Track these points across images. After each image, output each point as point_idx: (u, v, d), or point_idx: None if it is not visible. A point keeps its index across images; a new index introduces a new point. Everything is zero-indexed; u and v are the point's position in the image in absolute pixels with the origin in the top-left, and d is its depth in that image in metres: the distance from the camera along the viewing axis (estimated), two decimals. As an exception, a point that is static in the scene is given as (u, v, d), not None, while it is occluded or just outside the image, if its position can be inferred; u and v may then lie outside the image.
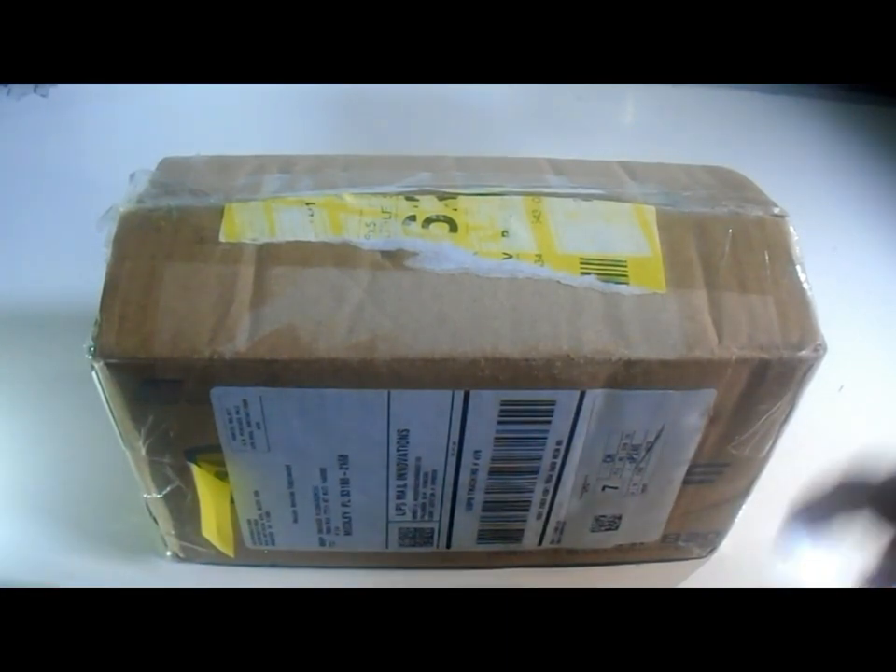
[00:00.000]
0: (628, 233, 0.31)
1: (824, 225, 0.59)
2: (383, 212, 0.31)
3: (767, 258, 0.31)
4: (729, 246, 0.31)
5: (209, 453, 0.31)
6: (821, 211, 0.61)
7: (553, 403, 0.30)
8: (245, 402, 0.29)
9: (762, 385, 0.30)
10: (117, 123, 0.64)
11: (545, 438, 0.31)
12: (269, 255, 0.30)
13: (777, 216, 0.32)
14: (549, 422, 0.30)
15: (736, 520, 0.38)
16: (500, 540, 0.37)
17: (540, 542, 0.37)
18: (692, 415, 0.31)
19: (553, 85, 0.65)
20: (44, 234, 0.53)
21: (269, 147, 0.36)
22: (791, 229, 0.32)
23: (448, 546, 0.37)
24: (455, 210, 0.31)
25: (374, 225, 0.31)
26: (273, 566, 0.37)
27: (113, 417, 0.30)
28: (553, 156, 0.37)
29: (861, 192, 0.64)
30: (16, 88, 0.62)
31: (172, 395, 0.29)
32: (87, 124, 0.63)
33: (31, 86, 0.63)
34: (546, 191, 0.33)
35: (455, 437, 0.31)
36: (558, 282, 0.30)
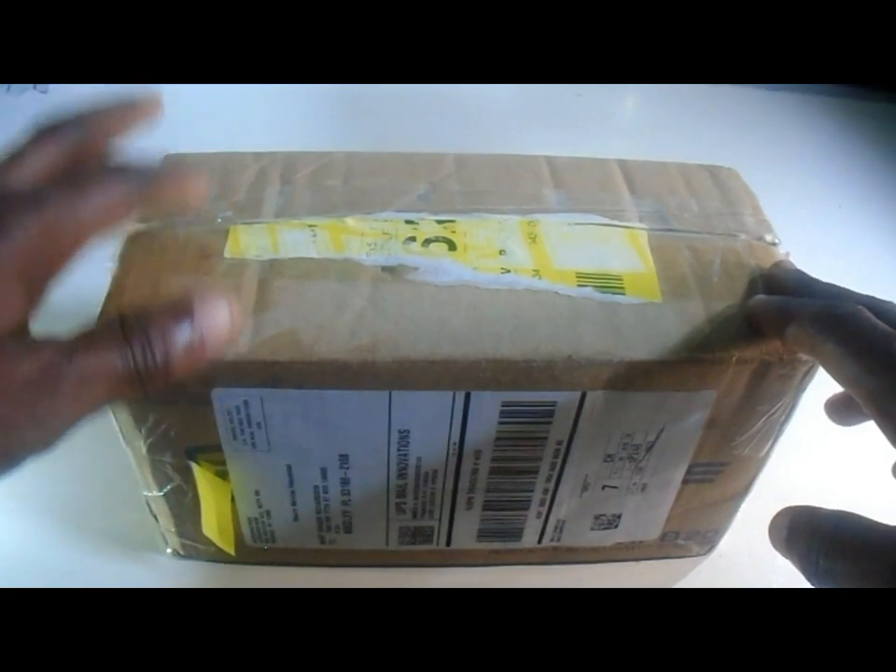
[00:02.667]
0: (622, 252, 0.32)
1: (821, 224, 0.59)
2: (384, 233, 0.32)
3: (759, 275, 0.32)
4: (720, 264, 0.32)
5: (210, 452, 0.31)
6: (819, 205, 0.61)
7: (553, 404, 0.30)
8: (245, 403, 0.29)
9: (762, 386, 0.30)
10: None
11: (546, 438, 0.31)
12: (272, 269, 0.30)
13: (769, 243, 0.33)
14: (549, 423, 0.31)
15: (735, 518, 0.38)
16: (500, 539, 0.37)
17: (540, 540, 0.37)
18: (692, 416, 0.31)
19: (553, 81, 0.65)
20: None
21: (269, 147, 0.36)
22: (783, 255, 0.33)
23: (448, 544, 0.37)
24: (454, 232, 0.32)
25: (375, 244, 0.32)
26: (273, 563, 0.38)
27: (114, 416, 0.30)
28: (554, 151, 0.37)
29: (860, 187, 0.64)
30: (15, 84, 0.62)
31: (173, 395, 0.29)
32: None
33: (29, 81, 0.63)
34: (541, 217, 0.34)
35: (456, 437, 0.31)
36: (556, 293, 0.30)
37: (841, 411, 0.32)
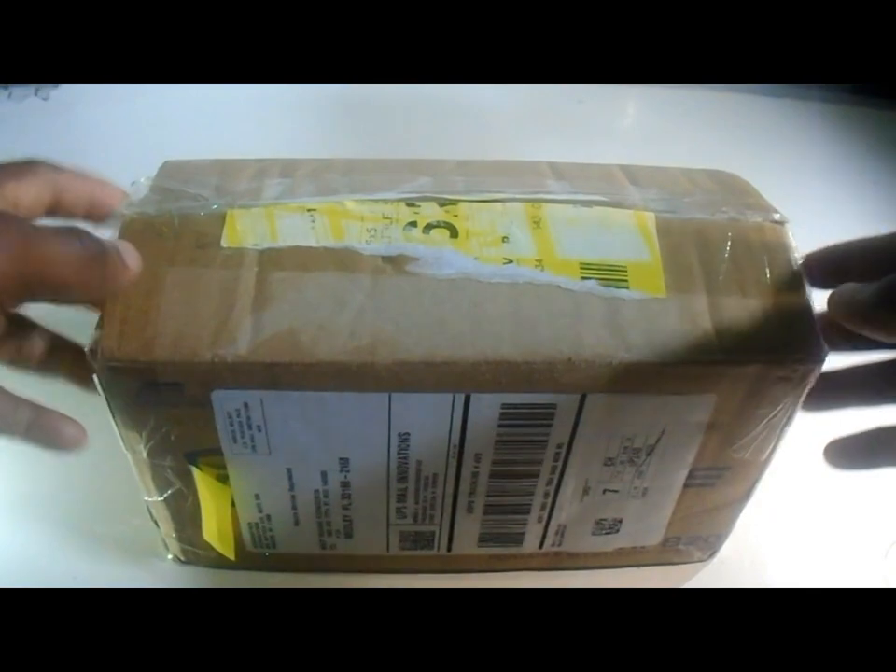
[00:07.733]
0: (628, 239, 0.31)
1: (824, 226, 0.59)
2: (384, 218, 0.31)
3: (767, 263, 0.31)
4: (729, 252, 0.31)
5: (210, 456, 0.31)
6: (821, 212, 0.61)
7: (553, 407, 0.30)
8: (245, 405, 0.29)
9: (762, 390, 0.30)
10: (117, 126, 0.64)
11: (546, 441, 0.31)
12: (270, 260, 0.30)
13: (776, 222, 0.32)
14: (550, 425, 0.30)
15: (737, 523, 0.38)
16: (501, 544, 0.37)
17: (541, 546, 0.37)
18: (692, 419, 0.31)
19: (554, 87, 0.65)
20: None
21: (269, 148, 0.36)
22: (791, 235, 0.32)
23: (449, 549, 0.37)
24: (456, 216, 0.32)
25: (375, 230, 0.31)
26: (273, 570, 0.37)
27: (114, 420, 0.30)
28: (555, 158, 0.37)
29: (862, 193, 0.64)
30: (16, 90, 0.62)
31: (173, 398, 0.29)
32: (87, 127, 0.63)
33: (32, 88, 0.63)
34: (547, 198, 0.33)
35: (456, 440, 0.31)
36: (558, 287, 0.30)
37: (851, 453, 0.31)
